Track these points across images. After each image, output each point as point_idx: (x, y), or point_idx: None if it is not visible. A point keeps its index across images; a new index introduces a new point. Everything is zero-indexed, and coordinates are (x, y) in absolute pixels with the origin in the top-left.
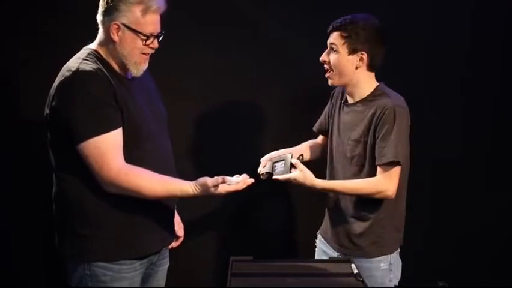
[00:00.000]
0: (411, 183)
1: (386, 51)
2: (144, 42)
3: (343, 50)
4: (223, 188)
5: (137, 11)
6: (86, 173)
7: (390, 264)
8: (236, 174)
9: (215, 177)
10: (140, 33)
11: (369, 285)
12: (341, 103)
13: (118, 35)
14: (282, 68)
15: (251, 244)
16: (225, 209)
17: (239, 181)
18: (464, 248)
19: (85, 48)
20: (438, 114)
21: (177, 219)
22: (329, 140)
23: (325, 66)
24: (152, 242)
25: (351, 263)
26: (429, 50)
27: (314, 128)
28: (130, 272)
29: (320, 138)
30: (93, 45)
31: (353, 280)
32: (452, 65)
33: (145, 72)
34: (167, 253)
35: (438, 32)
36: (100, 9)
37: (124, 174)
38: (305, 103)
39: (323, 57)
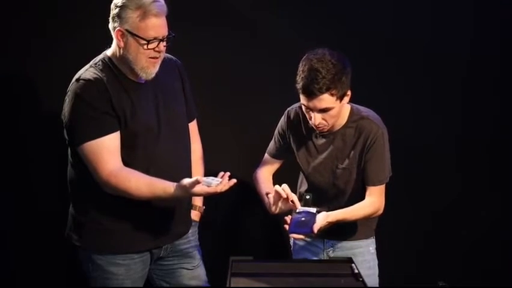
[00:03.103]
0: (411, 184)
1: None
2: (146, 46)
3: (336, 103)
4: (201, 189)
5: (135, 16)
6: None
7: (375, 248)
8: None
9: (192, 178)
10: (141, 38)
11: (364, 270)
12: (308, 130)
13: (123, 41)
14: (282, 68)
15: (251, 244)
16: (225, 209)
17: (218, 183)
18: (464, 248)
19: (102, 53)
20: (439, 115)
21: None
22: (301, 162)
23: (320, 127)
24: (134, 241)
25: (351, 263)
26: (429, 51)
27: (270, 155)
28: (125, 260)
29: (271, 167)
30: (109, 51)
31: (353, 280)
32: (452, 66)
33: (169, 71)
34: (192, 253)
35: (438, 34)
36: (110, 17)
37: (114, 177)
38: None
39: (319, 121)
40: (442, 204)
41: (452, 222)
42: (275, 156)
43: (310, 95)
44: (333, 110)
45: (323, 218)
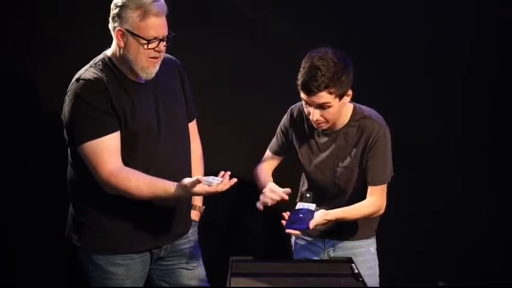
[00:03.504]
0: (411, 184)
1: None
2: (146, 46)
3: (335, 101)
4: (202, 188)
5: (135, 16)
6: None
7: (376, 248)
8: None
9: (193, 177)
10: (142, 37)
11: (365, 270)
12: (310, 128)
13: (123, 41)
14: (282, 68)
15: (251, 244)
16: (225, 209)
17: (219, 182)
18: (464, 248)
19: (102, 53)
20: (439, 115)
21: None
22: (303, 160)
23: (319, 123)
24: (134, 241)
25: (351, 263)
26: (429, 51)
27: (272, 151)
28: (125, 260)
29: (272, 163)
30: (108, 51)
31: (353, 280)
32: (452, 66)
33: (168, 71)
34: (192, 253)
35: (438, 34)
36: (110, 17)
37: (114, 177)
38: None
39: (317, 117)
40: (442, 204)
41: (452, 222)
42: (276, 153)
43: (309, 92)
44: (331, 108)
45: (320, 216)
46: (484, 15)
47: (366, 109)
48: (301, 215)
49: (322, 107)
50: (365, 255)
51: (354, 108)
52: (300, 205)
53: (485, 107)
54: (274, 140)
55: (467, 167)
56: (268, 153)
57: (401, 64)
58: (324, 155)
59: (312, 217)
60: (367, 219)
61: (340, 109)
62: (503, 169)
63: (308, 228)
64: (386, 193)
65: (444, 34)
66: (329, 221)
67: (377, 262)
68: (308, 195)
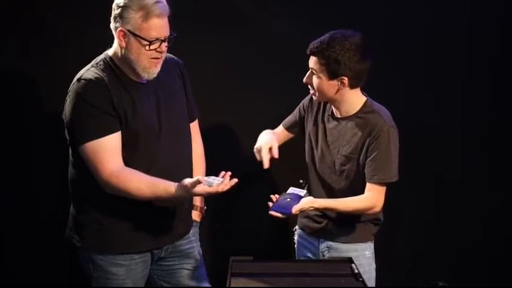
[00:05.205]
0: (412, 183)
1: (370, 65)
2: (148, 47)
3: (323, 75)
4: (203, 189)
5: (138, 17)
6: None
7: (372, 252)
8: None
9: (193, 178)
10: (143, 38)
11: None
12: (324, 112)
13: (124, 41)
14: (283, 68)
15: (251, 244)
16: (225, 209)
17: (220, 183)
18: (464, 248)
19: (104, 53)
20: (439, 115)
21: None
22: (308, 144)
23: (309, 86)
24: (135, 242)
25: (351, 263)
26: (429, 50)
27: (284, 125)
28: (126, 260)
29: (281, 131)
30: (110, 51)
31: (353, 280)
32: (453, 65)
33: (170, 70)
34: (193, 253)
35: (438, 33)
36: (111, 17)
37: (115, 177)
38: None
39: (306, 79)
40: (442, 203)
41: (452, 222)
42: (288, 128)
43: (308, 51)
44: (318, 80)
45: (306, 202)
46: (484, 14)
47: (377, 105)
48: (288, 199)
49: (312, 72)
50: (359, 259)
51: (366, 102)
52: (291, 189)
53: (485, 107)
54: (289, 116)
55: (468, 167)
56: (280, 126)
57: (401, 64)
58: (329, 139)
59: (298, 203)
60: (364, 222)
61: (327, 88)
62: (505, 167)
63: (291, 213)
64: (386, 193)
65: (445, 34)
66: (316, 208)
67: (373, 266)
68: (301, 181)
